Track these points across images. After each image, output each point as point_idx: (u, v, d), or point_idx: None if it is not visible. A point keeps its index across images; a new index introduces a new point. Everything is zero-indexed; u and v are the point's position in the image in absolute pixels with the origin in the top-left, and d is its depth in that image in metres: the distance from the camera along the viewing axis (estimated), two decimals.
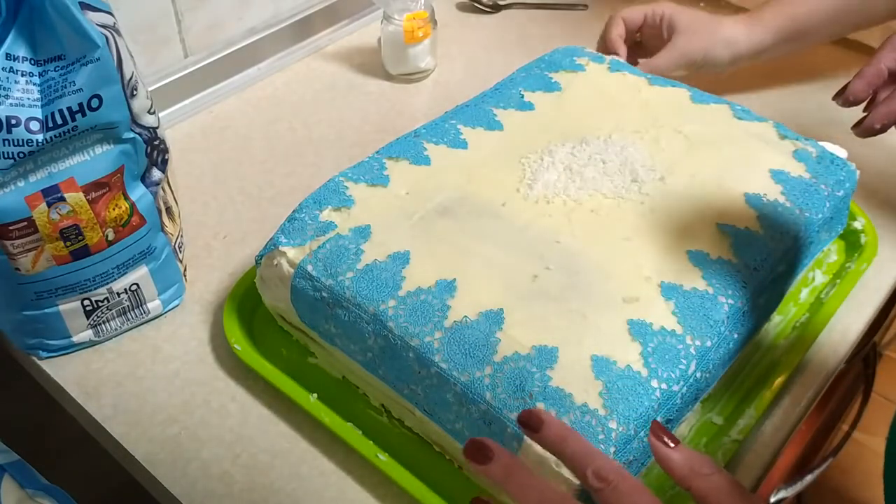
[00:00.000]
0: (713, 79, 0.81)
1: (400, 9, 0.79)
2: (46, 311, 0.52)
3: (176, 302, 0.58)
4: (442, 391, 0.45)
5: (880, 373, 0.90)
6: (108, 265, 0.52)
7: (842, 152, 0.62)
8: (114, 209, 0.50)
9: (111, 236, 0.51)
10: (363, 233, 0.52)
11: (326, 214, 0.53)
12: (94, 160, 0.49)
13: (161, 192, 0.54)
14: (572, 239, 0.52)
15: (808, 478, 0.71)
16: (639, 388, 0.44)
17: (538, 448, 0.41)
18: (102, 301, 0.53)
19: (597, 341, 0.46)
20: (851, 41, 0.89)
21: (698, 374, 0.47)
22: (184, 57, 0.77)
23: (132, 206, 0.52)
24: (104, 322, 0.55)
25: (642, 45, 0.78)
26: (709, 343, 0.47)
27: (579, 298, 0.48)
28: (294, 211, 0.54)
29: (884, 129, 0.59)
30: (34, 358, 0.55)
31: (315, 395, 0.51)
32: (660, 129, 0.61)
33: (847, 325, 0.58)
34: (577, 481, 0.41)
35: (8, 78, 0.44)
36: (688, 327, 0.47)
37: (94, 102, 0.46)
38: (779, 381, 0.52)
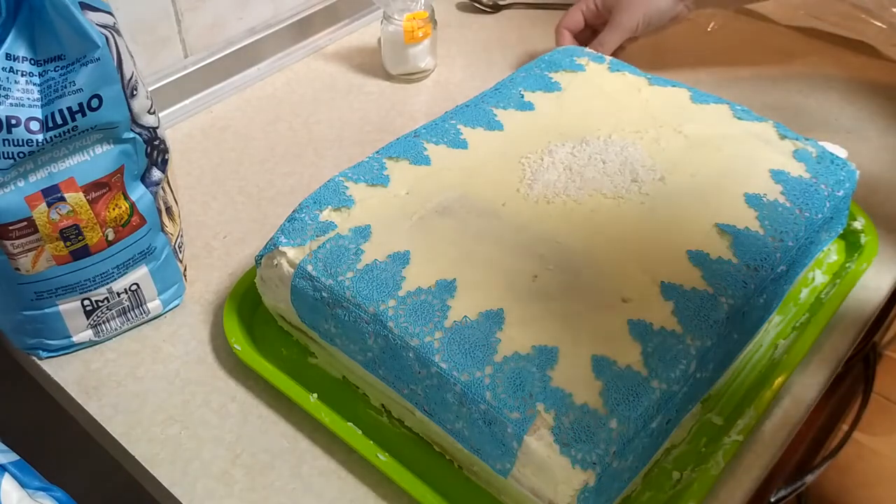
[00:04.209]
0: (713, 78, 0.82)
1: (400, 9, 0.79)
2: (46, 311, 0.52)
3: (176, 302, 0.58)
4: (442, 391, 0.45)
5: (880, 373, 0.90)
6: (108, 265, 0.52)
7: (842, 152, 0.62)
8: (114, 209, 0.50)
9: (111, 236, 0.51)
10: (363, 233, 0.52)
11: (326, 214, 0.53)
12: (94, 160, 0.49)
13: (161, 192, 0.54)
14: (572, 239, 0.52)
15: (808, 478, 0.71)
16: (639, 388, 0.44)
17: (538, 448, 0.42)
18: (102, 301, 0.53)
19: (597, 341, 0.46)
20: (853, 41, 0.89)
21: (698, 374, 0.47)
22: (184, 57, 0.77)
23: (132, 206, 0.52)
24: (104, 322, 0.55)
25: (596, 31, 0.82)
26: (709, 343, 0.47)
27: (579, 298, 0.48)
28: (294, 211, 0.54)
29: None
30: (34, 358, 0.55)
31: (315, 395, 0.51)
32: (660, 129, 0.61)
33: (847, 325, 0.58)
34: (577, 484, 0.41)
35: (8, 78, 0.44)
36: (688, 327, 0.47)
37: (94, 102, 0.46)
38: (779, 381, 0.52)
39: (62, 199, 0.48)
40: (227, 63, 0.80)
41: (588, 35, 0.82)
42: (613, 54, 0.79)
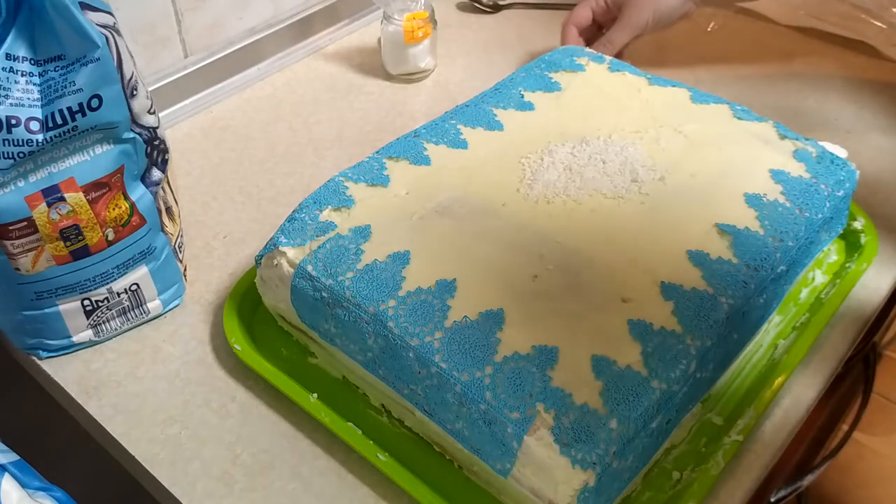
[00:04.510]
0: (713, 78, 0.82)
1: (400, 9, 0.79)
2: (46, 311, 0.52)
3: (176, 302, 0.58)
4: (442, 391, 0.45)
5: (880, 373, 0.90)
6: (108, 265, 0.52)
7: (842, 152, 0.62)
8: (114, 209, 0.50)
9: (111, 236, 0.51)
10: (363, 233, 0.52)
11: (326, 214, 0.53)
12: (94, 160, 0.49)
13: (161, 192, 0.54)
14: (572, 239, 0.52)
15: (808, 478, 0.71)
16: (639, 388, 0.44)
17: (538, 448, 0.42)
18: (102, 301, 0.53)
19: (597, 341, 0.46)
20: (853, 41, 0.89)
21: (698, 374, 0.47)
22: (184, 57, 0.77)
23: (132, 206, 0.52)
24: (104, 322, 0.55)
25: (603, 28, 0.82)
26: (709, 343, 0.47)
27: (579, 298, 0.48)
28: (294, 211, 0.54)
29: None
30: (34, 358, 0.55)
31: (315, 395, 0.51)
32: (660, 128, 0.61)
33: (847, 325, 0.58)
34: (577, 484, 0.41)
35: (8, 78, 0.44)
36: (688, 327, 0.47)
37: (94, 102, 0.46)
38: (779, 381, 0.52)
39: (62, 199, 0.48)
40: (227, 63, 0.80)
41: (594, 31, 0.82)
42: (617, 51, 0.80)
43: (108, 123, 0.48)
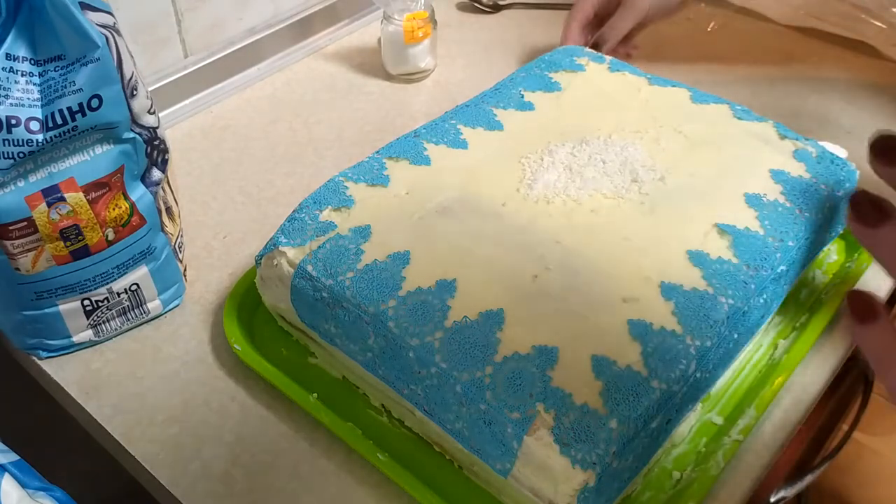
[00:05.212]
0: (713, 78, 0.82)
1: (400, 9, 0.79)
2: (46, 311, 0.52)
3: (176, 302, 0.58)
4: (442, 391, 0.45)
5: None
6: (108, 265, 0.52)
7: (842, 152, 0.62)
8: (114, 209, 0.50)
9: (111, 236, 0.51)
10: (363, 233, 0.52)
11: (326, 214, 0.53)
12: (94, 160, 0.49)
13: (161, 192, 0.54)
14: (572, 239, 0.52)
15: (808, 478, 0.71)
16: (639, 388, 0.44)
17: (538, 448, 0.42)
18: (102, 301, 0.53)
19: (597, 341, 0.46)
20: (853, 41, 0.89)
21: (698, 374, 0.47)
22: (184, 57, 0.77)
23: (132, 206, 0.52)
24: (104, 322, 0.55)
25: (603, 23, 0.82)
26: (709, 343, 0.47)
27: (579, 298, 0.48)
28: (294, 211, 0.54)
29: None
30: (34, 358, 0.55)
31: (315, 395, 0.51)
32: (660, 128, 0.61)
33: (847, 324, 0.58)
34: (577, 484, 0.41)
35: (8, 78, 0.44)
36: (688, 327, 0.47)
37: (94, 102, 0.46)
38: (779, 381, 0.52)
39: (62, 199, 0.48)
40: (227, 63, 0.80)
41: (596, 26, 0.82)
42: (620, 50, 0.80)
43: (108, 123, 0.48)
